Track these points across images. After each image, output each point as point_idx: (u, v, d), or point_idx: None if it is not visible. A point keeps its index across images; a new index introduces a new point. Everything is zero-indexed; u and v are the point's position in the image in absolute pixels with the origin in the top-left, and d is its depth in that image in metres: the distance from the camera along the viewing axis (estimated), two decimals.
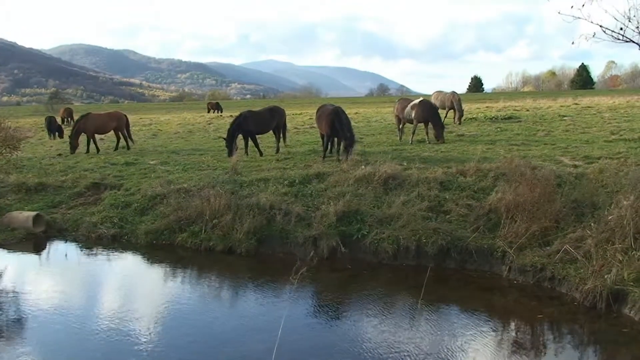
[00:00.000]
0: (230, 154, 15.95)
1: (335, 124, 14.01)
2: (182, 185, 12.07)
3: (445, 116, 24.21)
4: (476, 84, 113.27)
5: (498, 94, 71.80)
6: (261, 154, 16.01)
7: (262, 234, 10.05)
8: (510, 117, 24.42)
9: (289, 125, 27.56)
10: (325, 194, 10.87)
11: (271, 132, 17.07)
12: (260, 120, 16.48)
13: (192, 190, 11.59)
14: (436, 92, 24.64)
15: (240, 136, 16.33)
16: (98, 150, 19.22)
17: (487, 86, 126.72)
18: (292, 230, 9.94)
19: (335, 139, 14.73)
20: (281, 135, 17.24)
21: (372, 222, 9.75)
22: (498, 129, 20.25)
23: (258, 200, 10.62)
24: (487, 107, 33.23)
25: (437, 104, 23.61)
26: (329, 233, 9.62)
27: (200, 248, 10.10)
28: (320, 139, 16.37)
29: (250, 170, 13.54)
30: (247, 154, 16.43)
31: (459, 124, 22.60)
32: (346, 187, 11.03)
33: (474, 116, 25.31)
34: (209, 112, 47.77)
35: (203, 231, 10.28)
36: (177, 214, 10.78)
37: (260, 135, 16.92)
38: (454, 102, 23.14)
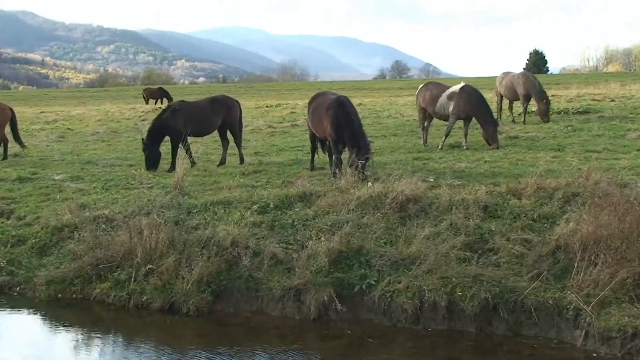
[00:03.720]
0: (151, 165, 16.09)
1: (342, 124, 13.75)
2: (101, 212, 12.02)
3: (510, 109, 24.42)
4: (537, 62, 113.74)
5: (569, 77, 72.23)
6: (172, 169, 16.03)
7: (221, 283, 10.01)
8: (586, 111, 24.60)
9: (260, 122, 27.84)
10: (314, 225, 10.86)
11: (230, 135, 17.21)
12: (196, 116, 16.65)
13: (117, 219, 11.55)
14: (503, 73, 24.84)
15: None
16: None
17: (553, 65, 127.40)
18: (265, 279, 9.91)
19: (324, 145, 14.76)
20: (237, 138, 17.36)
21: (383, 266, 9.74)
22: (569, 129, 20.40)
23: (214, 233, 10.59)
24: (552, 95, 33.40)
25: (504, 91, 23.81)
26: (318, 282, 9.60)
27: (128, 304, 10.03)
28: (309, 143, 16.39)
29: (204, 189, 13.51)
30: (194, 164, 16.52)
31: (547, 120, 22.55)
32: (345, 213, 11.03)
33: (532, 109, 25.49)
34: (147, 102, 47.67)
35: (132, 280, 10.22)
36: (94, 255, 10.72)
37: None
38: (529, 87, 23.02)
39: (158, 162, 16.37)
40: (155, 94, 48.90)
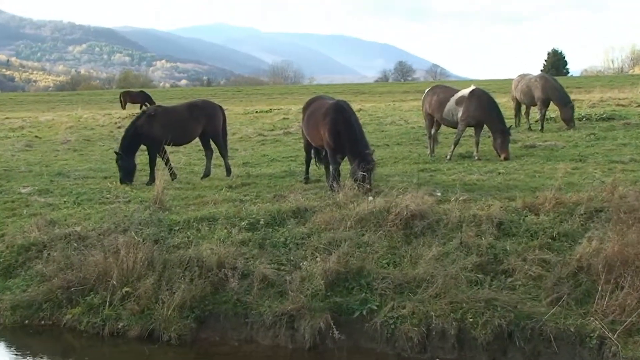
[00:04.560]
0: (126, 178, 16.13)
1: (342, 132, 13.80)
2: (73, 229, 12.03)
3: (527, 115, 24.44)
4: (556, 63, 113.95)
5: (591, 79, 72.39)
6: (151, 181, 16.06)
7: (205, 308, 10.01)
8: (611, 117, 24.69)
9: (249, 129, 27.90)
10: (309, 243, 10.89)
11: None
12: (173, 123, 16.61)
13: (90, 237, 11.56)
14: (519, 76, 24.91)
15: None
16: None
17: (574, 67, 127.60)
18: (255, 304, 9.91)
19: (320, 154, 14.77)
20: (221, 148, 17.40)
21: (386, 290, 9.75)
22: (591, 137, 20.45)
23: (198, 253, 10.60)
24: (572, 100, 33.57)
25: (520, 96, 23.84)
26: (314, 307, 9.61)
27: (102, 332, 10.01)
28: (303, 153, 16.42)
29: (186, 204, 13.52)
30: (174, 177, 16.57)
31: (572, 125, 22.54)
32: (343, 231, 11.06)
33: (551, 116, 25.56)
34: (125, 107, 47.57)
35: (107, 304, 10.21)
36: (64, 276, 10.71)
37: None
38: (549, 91, 23.01)
39: (133, 174, 16.40)
40: (136, 98, 48.79)
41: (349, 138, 13.66)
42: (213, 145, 17.33)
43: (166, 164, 16.40)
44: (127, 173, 16.23)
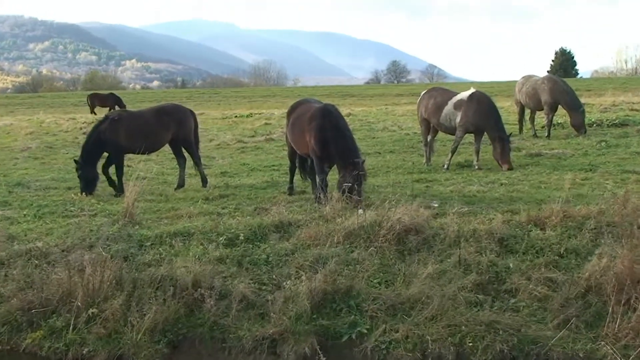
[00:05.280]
0: (86, 188, 16.21)
1: (330, 138, 13.87)
2: (34, 245, 11.99)
3: (532, 121, 24.50)
4: (564, 64, 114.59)
5: (602, 81, 72.75)
6: (119, 193, 16.10)
7: (179, 332, 9.97)
8: (624, 123, 24.89)
9: (228, 135, 27.91)
10: (293, 261, 10.91)
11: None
12: (139, 129, 16.68)
13: (53, 254, 11.53)
14: (524, 77, 24.95)
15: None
16: None
17: (584, 68, 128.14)
18: (233, 327, 9.89)
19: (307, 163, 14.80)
20: (194, 156, 17.45)
21: (377, 312, 9.76)
22: (602, 144, 20.58)
23: (172, 271, 10.59)
24: (583, 104, 33.76)
25: (525, 99, 23.90)
26: (298, 331, 9.59)
27: (65, 357, 9.94)
28: (287, 162, 16.44)
29: (159, 218, 13.53)
30: (120, 193, 16.42)
31: (583, 132, 22.55)
32: (330, 247, 11.09)
33: (558, 121, 25.67)
34: (93, 111, 47.49)
35: (71, 327, 10.16)
36: (24, 297, 10.66)
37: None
38: (558, 94, 23.06)
39: (94, 185, 16.46)
40: (106, 100, 48.66)
41: (337, 145, 13.70)
42: (186, 153, 17.36)
43: (118, 177, 16.52)
44: (87, 183, 16.29)
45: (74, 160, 16.70)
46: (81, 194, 16.05)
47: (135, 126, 16.64)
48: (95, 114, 45.56)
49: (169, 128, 16.88)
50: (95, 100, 49.21)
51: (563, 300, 9.60)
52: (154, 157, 20.18)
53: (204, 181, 16.97)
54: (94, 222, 13.18)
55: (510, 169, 16.94)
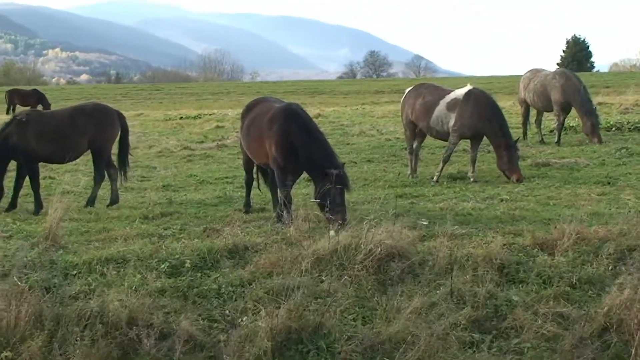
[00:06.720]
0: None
1: (300, 146, 13.78)
2: None
3: (539, 123, 24.58)
4: (577, 55, 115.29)
5: (623, 77, 73.47)
6: (37, 209, 16.13)
7: None
8: None
9: (172, 141, 27.94)
10: (250, 293, 10.86)
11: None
12: (50, 133, 16.65)
13: None
14: (530, 72, 24.95)
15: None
16: None
17: (600, 60, 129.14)
18: None
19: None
20: (123, 164, 17.49)
21: (352, 354, 9.69)
22: (622, 152, 20.70)
23: (103, 306, 10.49)
24: (599, 103, 33.94)
25: (532, 98, 23.90)
26: None
27: None
28: (243, 173, 16.44)
29: (88, 240, 13.47)
30: (12, 208, 16.53)
31: (597, 141, 22.41)
32: (295, 276, 11.01)
33: (570, 124, 25.81)
34: (9, 109, 47.20)
35: None
36: None
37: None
38: (571, 92, 22.91)
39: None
40: (28, 98, 48.56)
41: (310, 152, 13.59)
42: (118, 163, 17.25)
43: (33, 189, 16.45)
44: None
45: None
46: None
47: (45, 129, 16.57)
48: (13, 113, 45.30)
49: (86, 132, 16.74)
50: (15, 98, 49.02)
51: (576, 340, 9.59)
52: (82, 167, 20.06)
53: (113, 200, 16.93)
54: (8, 246, 13.09)
55: (521, 180, 16.85)
